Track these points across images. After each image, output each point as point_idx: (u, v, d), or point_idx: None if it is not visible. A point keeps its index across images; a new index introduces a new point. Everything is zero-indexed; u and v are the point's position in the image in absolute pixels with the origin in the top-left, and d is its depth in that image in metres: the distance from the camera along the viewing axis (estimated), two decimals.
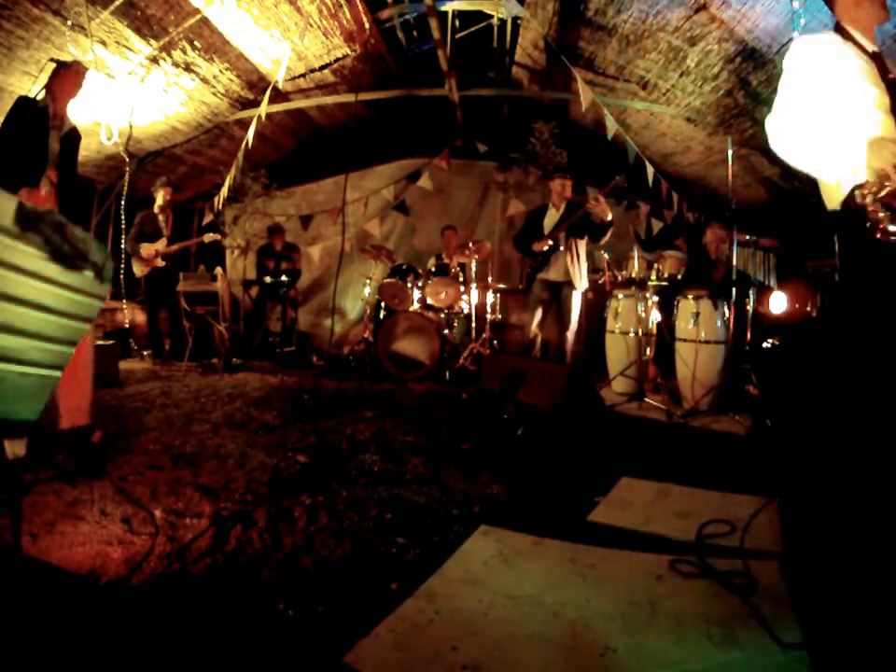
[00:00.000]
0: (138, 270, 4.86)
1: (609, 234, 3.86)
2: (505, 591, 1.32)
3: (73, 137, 2.40)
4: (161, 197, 4.87)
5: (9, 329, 0.79)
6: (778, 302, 3.87)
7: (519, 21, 4.38)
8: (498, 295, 5.02)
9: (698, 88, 4.05)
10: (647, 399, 3.47)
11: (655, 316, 3.91)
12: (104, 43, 3.70)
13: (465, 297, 4.74)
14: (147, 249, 4.76)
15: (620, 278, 4.19)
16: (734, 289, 3.34)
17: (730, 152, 3.45)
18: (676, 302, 3.61)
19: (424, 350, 4.42)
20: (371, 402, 3.46)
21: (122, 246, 5.07)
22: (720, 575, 1.35)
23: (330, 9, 4.03)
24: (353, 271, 5.92)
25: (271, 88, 4.06)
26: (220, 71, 4.43)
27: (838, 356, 1.69)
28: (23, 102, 2.30)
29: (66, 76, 2.33)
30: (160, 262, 4.78)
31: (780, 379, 3.21)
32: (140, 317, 5.58)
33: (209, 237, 4.84)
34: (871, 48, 1.68)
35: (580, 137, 5.58)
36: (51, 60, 2.34)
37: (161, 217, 4.88)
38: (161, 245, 4.78)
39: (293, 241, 5.92)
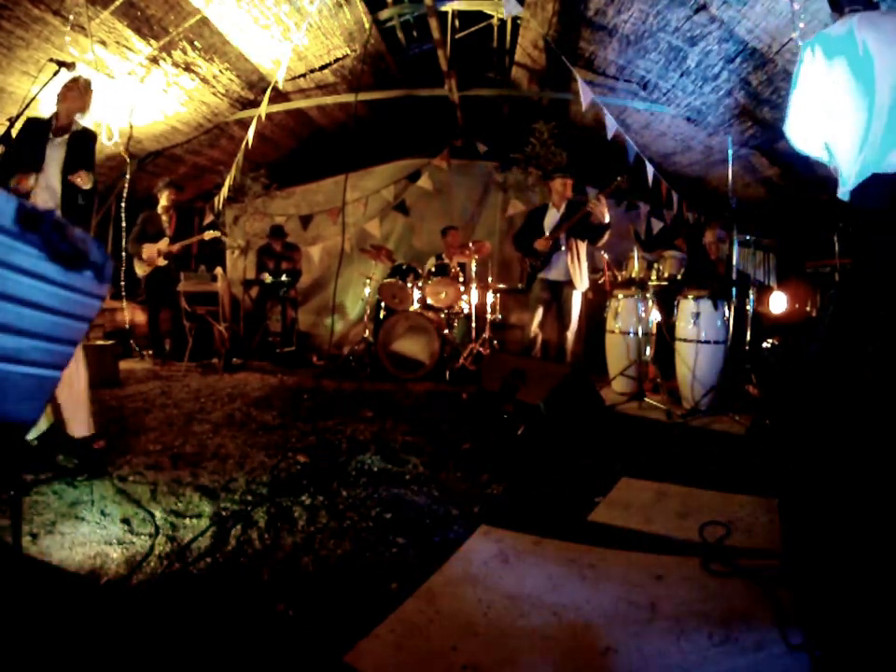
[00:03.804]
0: (140, 270, 4.85)
1: (606, 237, 3.86)
2: (505, 591, 1.32)
3: (82, 137, 2.43)
4: (165, 197, 4.86)
5: (9, 329, 0.79)
6: (778, 302, 3.87)
7: (519, 21, 4.38)
8: (498, 295, 5.02)
9: (698, 88, 4.05)
10: (647, 399, 3.46)
11: (655, 316, 3.92)
12: (104, 43, 3.70)
13: (465, 297, 4.73)
14: (148, 249, 4.75)
15: (620, 278, 4.19)
16: (734, 289, 3.34)
17: (730, 152, 3.45)
18: (676, 302, 3.61)
19: (424, 350, 4.41)
20: (371, 402, 3.45)
21: (123, 246, 5.07)
22: (746, 572, 1.36)
23: (330, 9, 4.04)
24: (353, 271, 5.91)
25: (271, 88, 4.06)
26: (220, 71, 4.43)
27: (841, 352, 1.68)
28: (28, 121, 2.38)
29: (71, 92, 2.38)
30: (161, 261, 4.77)
31: (780, 378, 3.21)
32: (140, 317, 5.57)
33: (210, 234, 4.80)
34: None
35: (580, 137, 5.57)
36: (51, 60, 2.33)
37: (164, 218, 4.86)
38: (163, 244, 4.77)
39: (293, 241, 5.92)
